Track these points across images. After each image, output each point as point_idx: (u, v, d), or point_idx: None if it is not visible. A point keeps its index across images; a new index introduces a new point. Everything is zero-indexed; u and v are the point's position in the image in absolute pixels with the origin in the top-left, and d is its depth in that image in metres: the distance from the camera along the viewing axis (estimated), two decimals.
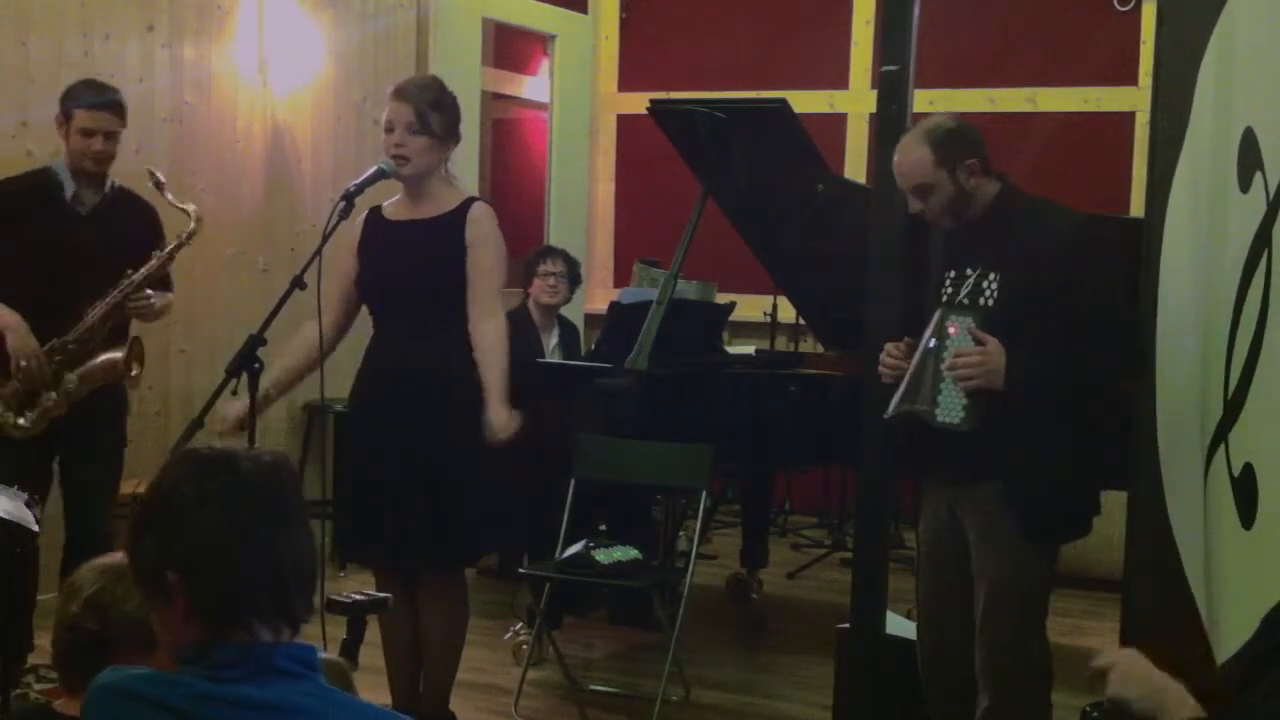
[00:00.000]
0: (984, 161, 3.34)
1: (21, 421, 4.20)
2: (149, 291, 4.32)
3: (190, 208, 4.42)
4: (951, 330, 3.31)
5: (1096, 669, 2.26)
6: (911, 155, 3.33)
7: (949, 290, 3.39)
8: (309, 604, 1.73)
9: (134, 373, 4.32)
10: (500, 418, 3.78)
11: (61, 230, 4.25)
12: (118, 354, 4.27)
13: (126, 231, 4.33)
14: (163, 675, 1.68)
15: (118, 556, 2.09)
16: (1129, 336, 3.38)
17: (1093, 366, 3.30)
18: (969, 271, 3.37)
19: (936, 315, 3.34)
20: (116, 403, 4.42)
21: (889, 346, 3.42)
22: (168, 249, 4.35)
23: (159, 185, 4.40)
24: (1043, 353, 3.27)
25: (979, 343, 3.27)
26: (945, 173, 3.30)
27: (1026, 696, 3.40)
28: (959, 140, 3.33)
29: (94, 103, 4.23)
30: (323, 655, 1.81)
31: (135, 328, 4.46)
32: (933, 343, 3.33)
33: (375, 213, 3.97)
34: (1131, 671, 2.21)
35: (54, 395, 4.20)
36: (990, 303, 3.33)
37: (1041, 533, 3.37)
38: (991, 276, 3.33)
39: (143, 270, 4.28)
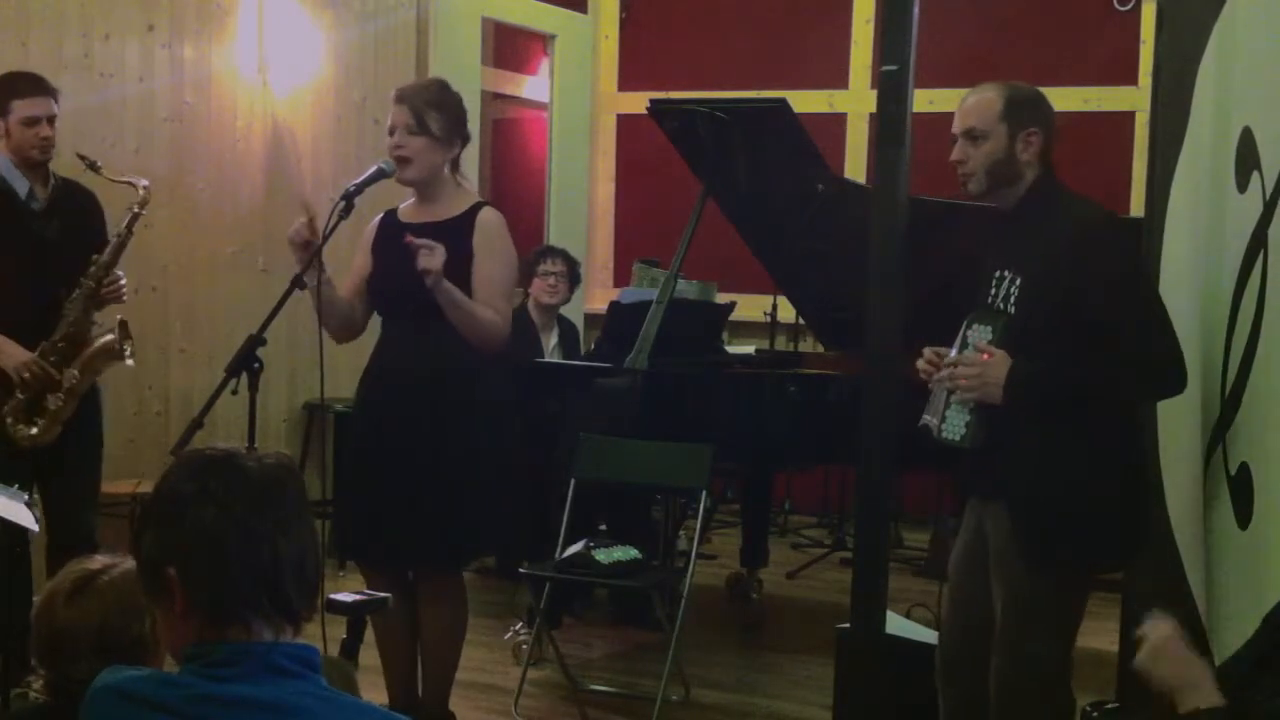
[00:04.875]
0: (1044, 143, 3.19)
1: (34, 430, 4.19)
2: (118, 273, 4.29)
3: (139, 181, 4.36)
4: (970, 339, 3.18)
5: (1138, 637, 2.25)
6: (982, 96, 3.20)
7: (992, 292, 3.23)
8: (310, 604, 1.73)
9: (129, 351, 4.29)
10: (441, 263, 3.65)
11: (25, 229, 4.20)
12: (110, 336, 4.26)
13: (81, 220, 4.30)
14: (162, 675, 1.69)
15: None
16: (1156, 343, 3.06)
17: (1107, 378, 3.08)
18: (1005, 274, 3.20)
19: (964, 323, 3.21)
20: (91, 402, 4.38)
21: (928, 352, 3.26)
22: (125, 222, 4.28)
23: (94, 167, 4.33)
24: (1047, 363, 3.08)
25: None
26: (1005, 128, 3.15)
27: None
28: (1034, 108, 3.19)
29: (34, 89, 4.19)
30: (326, 656, 1.82)
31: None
32: (953, 352, 3.21)
33: (390, 214, 3.99)
34: (1164, 649, 2.20)
35: (59, 396, 4.20)
36: (1013, 308, 3.17)
37: (1044, 561, 3.13)
38: (1016, 280, 3.17)
39: (108, 251, 4.25)
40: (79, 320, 4.23)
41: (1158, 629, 2.23)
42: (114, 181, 4.38)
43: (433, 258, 3.66)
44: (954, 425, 3.21)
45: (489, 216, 3.86)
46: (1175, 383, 3.11)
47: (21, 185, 4.21)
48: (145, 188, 4.34)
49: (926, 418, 3.28)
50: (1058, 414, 3.10)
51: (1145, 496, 3.25)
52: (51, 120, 4.21)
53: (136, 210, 4.30)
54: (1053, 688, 3.23)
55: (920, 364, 3.29)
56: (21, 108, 4.16)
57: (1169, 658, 2.19)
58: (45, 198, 4.25)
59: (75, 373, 4.21)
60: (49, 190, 4.26)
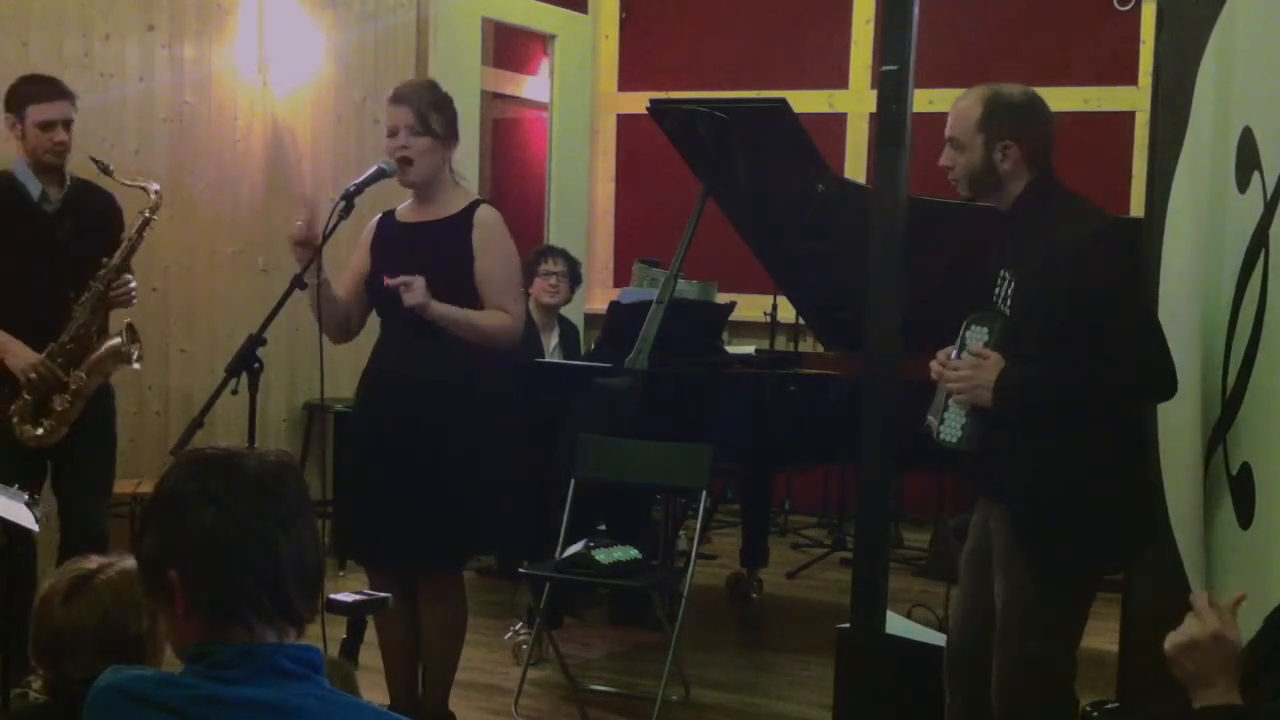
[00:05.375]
0: (1030, 150, 3.16)
1: (40, 431, 4.20)
2: (128, 276, 4.29)
3: (151, 185, 4.37)
4: (968, 340, 3.19)
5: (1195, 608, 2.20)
6: (963, 105, 3.20)
7: (996, 292, 3.23)
8: (313, 604, 1.73)
9: (136, 355, 4.30)
10: (422, 290, 3.71)
11: (36, 231, 4.23)
12: (117, 339, 4.26)
13: (95, 222, 4.32)
14: (165, 675, 1.69)
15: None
16: (1146, 348, 3.06)
17: (1097, 382, 3.06)
18: (1006, 275, 3.20)
19: (964, 323, 3.22)
20: (104, 402, 4.41)
21: (939, 354, 3.26)
22: (136, 227, 4.30)
23: (106, 170, 4.35)
24: (1040, 367, 3.08)
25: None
26: (982, 139, 3.15)
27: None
28: (1013, 116, 3.16)
29: (49, 94, 4.22)
30: (326, 656, 1.81)
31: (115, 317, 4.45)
32: (953, 354, 3.21)
33: (388, 215, 3.99)
34: (1202, 646, 2.15)
35: (66, 397, 4.21)
36: (1009, 310, 3.16)
37: (1043, 562, 3.14)
38: (1013, 284, 3.17)
39: (118, 255, 4.26)
40: (87, 322, 4.23)
41: (1203, 624, 2.18)
42: (126, 185, 4.39)
43: (413, 293, 3.70)
44: (951, 427, 3.22)
45: (487, 215, 3.86)
46: (1165, 388, 3.13)
47: (34, 187, 4.23)
48: (156, 192, 4.35)
49: (930, 418, 3.28)
50: (1049, 418, 3.10)
51: (1145, 497, 3.25)
52: (68, 124, 4.23)
53: (148, 215, 4.31)
54: (1053, 689, 3.22)
55: (933, 364, 3.29)
56: (37, 112, 4.19)
57: (1205, 654, 2.15)
58: (58, 199, 4.27)
59: (82, 374, 4.22)
60: (63, 192, 4.28)
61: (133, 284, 4.32)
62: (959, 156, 3.21)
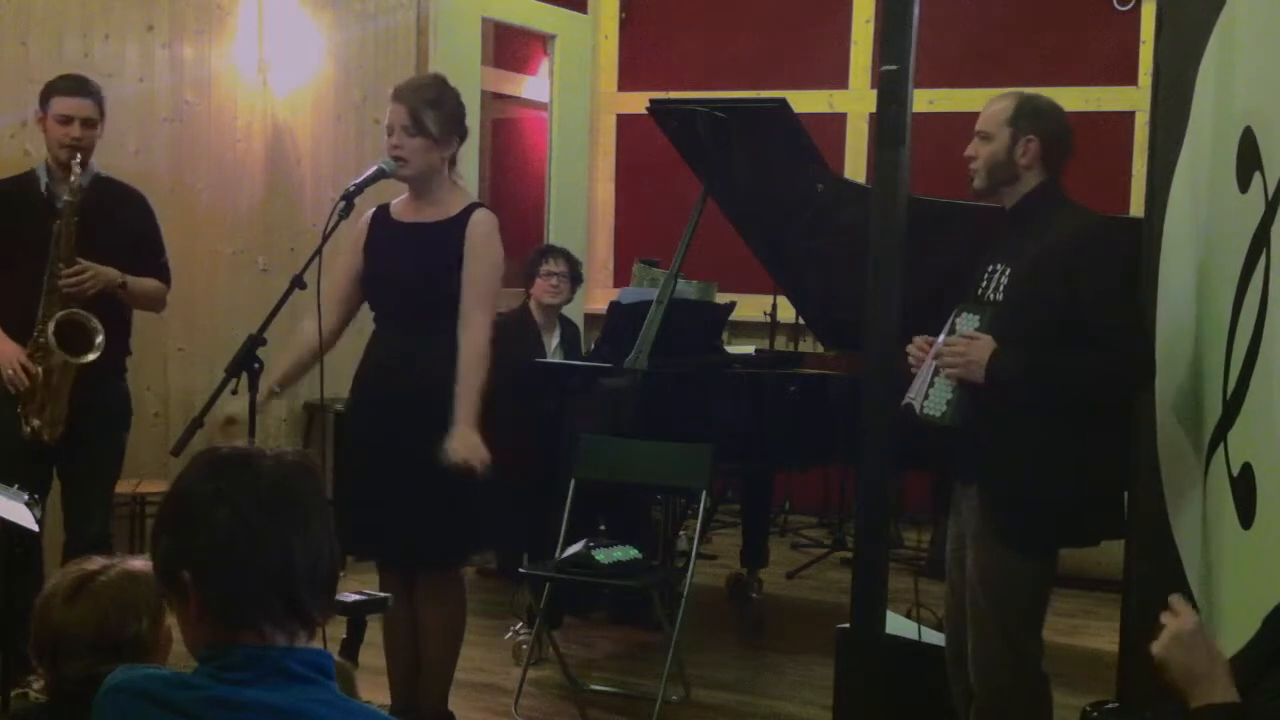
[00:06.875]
0: (1047, 150, 3.36)
1: (36, 424, 4.19)
2: (82, 266, 4.16)
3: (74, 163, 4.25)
4: (959, 327, 3.33)
5: (1161, 625, 2.23)
6: (998, 103, 3.42)
7: (983, 284, 3.40)
8: (325, 606, 1.72)
9: (88, 356, 4.17)
10: (463, 441, 3.70)
11: (35, 225, 4.20)
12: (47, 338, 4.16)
13: (107, 221, 4.27)
14: (176, 676, 1.68)
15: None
16: (1134, 343, 3.27)
17: (1085, 370, 3.22)
18: (998, 267, 3.38)
19: (954, 311, 3.37)
20: (117, 409, 4.41)
21: (917, 339, 3.42)
22: (63, 214, 4.16)
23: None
24: (1030, 351, 3.23)
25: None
26: (1009, 131, 3.36)
27: (1014, 702, 3.36)
28: (1040, 118, 3.38)
29: (71, 89, 4.24)
30: None
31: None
32: (941, 338, 3.35)
33: (382, 211, 3.97)
34: (1184, 638, 2.18)
35: (44, 393, 4.19)
36: (1000, 297, 3.33)
37: (1018, 539, 3.29)
38: (1006, 271, 3.34)
39: (53, 245, 4.15)
40: (44, 317, 4.16)
41: (1180, 619, 2.20)
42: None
43: (460, 459, 3.68)
44: (936, 402, 3.34)
45: (481, 219, 3.86)
46: (1146, 380, 3.37)
47: (44, 181, 4.22)
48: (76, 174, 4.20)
49: (910, 396, 3.39)
50: (1033, 400, 3.25)
51: (1119, 484, 3.44)
52: (87, 123, 4.24)
53: (67, 198, 4.19)
54: (1028, 666, 3.35)
55: (910, 349, 3.42)
56: (57, 105, 4.22)
57: (1189, 648, 2.16)
58: (66, 197, 4.22)
59: (39, 370, 4.17)
60: (76, 190, 4.22)
61: (87, 275, 4.17)
62: (983, 147, 3.40)
